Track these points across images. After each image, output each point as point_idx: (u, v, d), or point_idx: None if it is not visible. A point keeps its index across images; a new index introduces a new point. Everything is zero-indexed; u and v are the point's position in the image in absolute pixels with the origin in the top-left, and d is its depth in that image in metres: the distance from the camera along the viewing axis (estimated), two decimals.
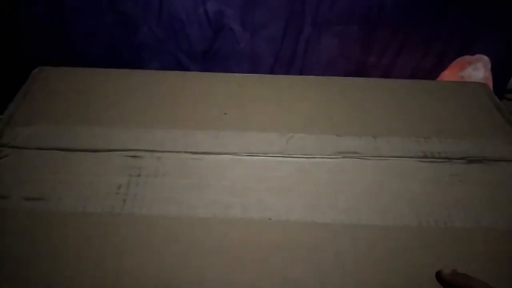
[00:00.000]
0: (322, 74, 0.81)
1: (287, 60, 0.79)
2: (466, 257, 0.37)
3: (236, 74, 0.56)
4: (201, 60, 0.77)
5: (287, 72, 0.79)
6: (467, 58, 0.71)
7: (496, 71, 0.75)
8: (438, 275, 0.35)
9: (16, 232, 0.36)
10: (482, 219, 0.40)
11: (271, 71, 0.79)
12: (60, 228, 0.37)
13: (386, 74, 0.83)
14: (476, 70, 0.68)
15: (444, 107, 0.51)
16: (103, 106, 0.48)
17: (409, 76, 0.82)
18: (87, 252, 0.35)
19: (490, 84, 0.69)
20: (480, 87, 0.56)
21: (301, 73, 0.80)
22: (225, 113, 0.49)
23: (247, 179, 0.42)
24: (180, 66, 0.76)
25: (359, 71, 0.83)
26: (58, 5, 0.68)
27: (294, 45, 0.77)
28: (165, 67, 0.77)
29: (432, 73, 0.80)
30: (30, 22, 0.70)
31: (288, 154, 0.44)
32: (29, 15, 0.70)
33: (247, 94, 0.52)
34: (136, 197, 0.39)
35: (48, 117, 0.47)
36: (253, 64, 0.78)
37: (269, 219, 0.39)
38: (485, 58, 0.70)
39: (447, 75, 0.71)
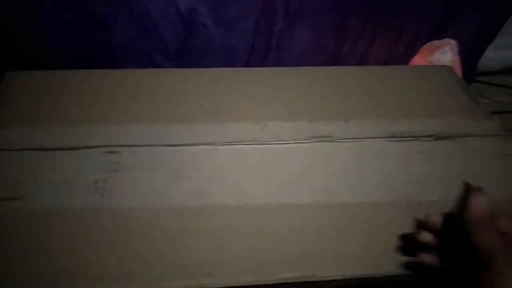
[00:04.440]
0: (297, 65, 0.83)
1: (262, 54, 0.80)
2: None
3: (211, 68, 0.57)
4: (176, 58, 0.77)
5: (262, 65, 0.80)
6: (435, 42, 0.73)
7: (466, 55, 0.77)
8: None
9: None
10: (452, 192, 0.42)
11: (247, 65, 0.80)
12: (38, 226, 0.37)
13: (361, 62, 0.84)
14: (444, 54, 0.70)
15: (412, 90, 0.53)
16: (78, 106, 0.49)
17: (383, 63, 0.84)
18: (68, 248, 0.36)
19: (458, 67, 0.71)
20: (445, 70, 0.58)
21: (276, 65, 0.81)
22: (200, 106, 0.49)
23: (224, 167, 0.43)
24: (155, 65, 0.76)
25: (334, 61, 0.84)
26: (29, 6, 0.68)
27: (268, 39, 0.78)
28: (140, 67, 0.76)
29: (404, 59, 0.82)
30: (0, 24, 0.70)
31: (263, 141, 0.45)
32: None
33: (223, 87, 0.53)
34: (114, 191, 0.40)
35: (23, 119, 0.47)
36: (228, 60, 0.79)
37: (247, 203, 0.40)
38: (452, 42, 0.72)
39: (417, 60, 0.73)
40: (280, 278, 0.35)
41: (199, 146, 0.44)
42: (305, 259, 0.36)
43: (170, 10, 0.70)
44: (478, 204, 0.33)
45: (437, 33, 0.80)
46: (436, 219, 0.35)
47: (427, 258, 0.35)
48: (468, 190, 0.35)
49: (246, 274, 0.35)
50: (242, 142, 0.45)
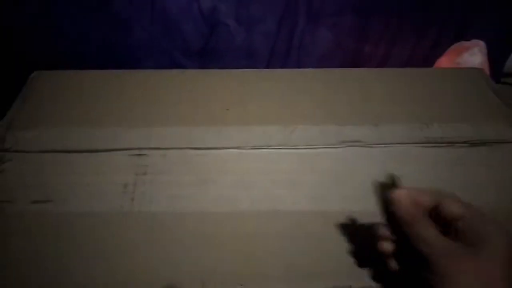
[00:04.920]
0: (318, 66, 0.82)
1: (283, 54, 0.79)
2: None
3: (235, 70, 0.56)
4: (197, 57, 0.76)
5: (283, 65, 0.79)
6: (463, 44, 0.71)
7: (492, 56, 0.75)
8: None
9: (24, 235, 0.36)
10: (487, 200, 0.40)
11: (267, 65, 0.79)
12: (68, 230, 0.37)
13: (382, 63, 0.83)
14: (473, 55, 0.68)
15: (442, 93, 0.52)
16: (103, 107, 0.48)
17: (405, 64, 0.82)
18: (97, 252, 0.35)
19: (487, 69, 0.69)
20: (477, 73, 0.56)
21: (297, 66, 0.80)
22: (227, 109, 0.48)
23: (252, 172, 0.42)
24: (175, 65, 0.76)
25: (355, 61, 0.83)
26: (50, 7, 0.68)
27: (289, 39, 0.77)
28: (161, 66, 0.76)
29: (427, 61, 0.80)
30: (23, 26, 0.70)
31: (292, 146, 0.44)
32: (22, 19, 0.69)
33: (248, 90, 0.52)
34: (143, 195, 0.39)
35: (48, 120, 0.46)
36: (249, 59, 0.78)
37: (277, 210, 0.39)
38: (481, 43, 0.70)
39: (444, 61, 0.71)
40: None
41: (227, 149, 0.44)
42: (339, 268, 0.35)
43: (192, 9, 0.70)
44: (401, 202, 0.29)
45: (461, 34, 0.78)
46: (383, 231, 0.32)
47: (394, 265, 0.32)
48: (386, 190, 0.31)
49: (277, 284, 0.34)
50: (270, 146, 0.44)
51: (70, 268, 0.34)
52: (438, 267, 0.27)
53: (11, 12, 0.68)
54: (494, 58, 0.77)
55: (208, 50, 0.75)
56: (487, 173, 0.43)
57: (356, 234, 0.38)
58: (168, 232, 0.37)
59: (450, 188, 0.41)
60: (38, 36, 0.71)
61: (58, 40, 0.72)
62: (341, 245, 0.37)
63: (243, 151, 0.44)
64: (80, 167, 0.41)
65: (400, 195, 0.30)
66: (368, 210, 0.39)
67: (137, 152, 0.43)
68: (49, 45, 0.72)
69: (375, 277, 0.35)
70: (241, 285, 0.34)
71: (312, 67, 0.82)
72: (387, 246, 0.32)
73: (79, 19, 0.70)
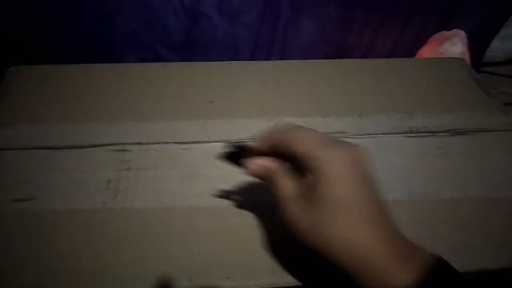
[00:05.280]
0: (302, 58, 0.81)
1: (267, 45, 0.79)
2: (457, 227, 0.38)
3: (218, 62, 0.55)
4: (180, 50, 0.75)
5: (267, 57, 0.79)
6: (444, 33, 0.72)
7: (472, 45, 0.76)
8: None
9: (6, 235, 0.35)
10: (470, 189, 0.41)
11: (251, 57, 0.78)
12: (52, 227, 0.36)
13: (366, 53, 0.83)
14: (454, 45, 0.69)
15: (424, 83, 0.52)
16: (84, 102, 0.47)
17: (389, 55, 0.83)
18: (82, 249, 0.35)
19: (468, 58, 0.70)
20: (458, 62, 0.57)
21: (281, 57, 0.80)
22: (210, 102, 0.48)
23: None
24: (158, 58, 0.75)
25: (339, 52, 0.83)
26: (29, 0, 0.66)
27: (273, 30, 0.77)
28: (143, 59, 0.75)
29: (411, 51, 0.81)
30: (0, 20, 0.68)
31: None
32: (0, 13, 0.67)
33: (231, 82, 0.51)
34: (127, 191, 0.39)
35: (28, 116, 0.45)
36: (232, 51, 0.78)
37: (261, 202, 0.39)
38: (462, 33, 0.71)
39: (426, 51, 0.72)
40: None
41: (212, 143, 0.43)
42: None
43: (174, 1, 0.69)
44: (255, 171, 0.32)
45: (443, 24, 0.79)
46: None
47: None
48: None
49: (266, 276, 0.34)
50: (255, 139, 0.44)
51: (53, 267, 0.34)
52: (288, 215, 0.29)
53: None
54: (475, 47, 0.78)
55: (191, 43, 0.74)
56: (470, 161, 0.43)
57: None
58: (153, 228, 0.36)
59: (433, 176, 0.42)
60: (16, 30, 0.69)
61: (38, 34, 0.70)
62: None
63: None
64: (61, 163, 0.41)
65: (251, 165, 0.32)
66: None
67: (120, 147, 0.42)
68: (28, 39, 0.70)
69: None
70: (228, 278, 0.34)
71: (296, 58, 0.81)
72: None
73: (59, 12, 0.68)
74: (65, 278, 0.33)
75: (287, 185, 0.30)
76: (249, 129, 0.45)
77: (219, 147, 0.43)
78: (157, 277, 0.33)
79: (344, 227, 0.26)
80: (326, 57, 0.82)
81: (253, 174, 0.32)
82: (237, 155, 0.33)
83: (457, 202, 0.40)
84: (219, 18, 0.72)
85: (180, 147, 0.43)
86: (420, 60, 0.64)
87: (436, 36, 0.73)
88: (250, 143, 0.33)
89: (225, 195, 0.39)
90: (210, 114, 0.46)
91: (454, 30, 0.72)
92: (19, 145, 0.42)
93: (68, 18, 0.69)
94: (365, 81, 0.52)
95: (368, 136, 0.45)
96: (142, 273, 0.34)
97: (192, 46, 0.75)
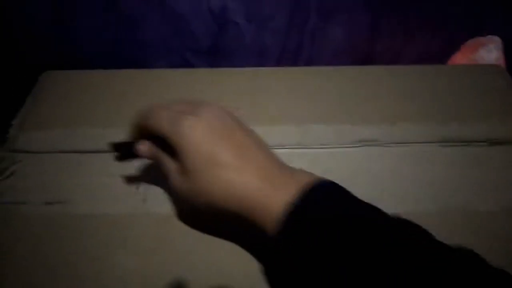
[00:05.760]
0: (329, 63, 0.81)
1: (293, 51, 0.78)
2: (490, 241, 0.36)
3: (245, 68, 0.55)
4: (207, 56, 0.76)
5: (294, 63, 0.78)
6: (478, 39, 0.69)
7: (507, 52, 0.73)
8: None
9: (38, 237, 0.36)
10: (505, 202, 0.39)
11: (278, 63, 0.78)
12: (80, 231, 0.37)
13: (395, 59, 0.82)
14: (489, 52, 0.66)
15: (459, 90, 0.50)
16: (114, 107, 0.48)
17: (418, 61, 0.81)
18: (109, 254, 0.35)
19: (503, 65, 0.68)
20: (494, 69, 0.55)
21: (308, 63, 0.79)
22: (237, 108, 0.48)
23: None
24: (185, 63, 0.76)
25: (367, 58, 0.81)
26: (60, 8, 0.68)
27: (300, 36, 0.76)
28: (170, 65, 0.76)
29: (441, 57, 0.78)
30: (31, 26, 0.70)
31: (306, 146, 0.44)
32: (30, 19, 0.69)
33: (259, 88, 0.51)
34: (155, 196, 0.39)
35: (60, 120, 0.46)
36: (259, 58, 0.77)
37: None
38: (497, 39, 0.69)
39: (459, 58, 0.70)
40: None
41: None
42: None
43: (202, 7, 0.69)
44: (144, 152, 0.35)
45: (477, 30, 0.76)
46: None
47: None
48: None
49: None
50: (283, 146, 0.43)
51: (81, 272, 0.34)
52: (174, 187, 0.32)
53: (21, 12, 0.68)
54: (510, 54, 0.75)
55: (218, 49, 0.74)
56: (506, 173, 0.42)
57: None
58: (180, 233, 0.36)
59: (468, 188, 0.40)
60: (47, 36, 0.70)
61: (68, 40, 0.71)
62: None
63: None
64: (91, 168, 0.41)
65: (138, 150, 0.35)
66: (384, 210, 0.38)
67: None
68: (59, 45, 0.72)
69: None
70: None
71: (323, 64, 0.81)
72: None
73: (88, 19, 0.69)
74: (93, 283, 0.33)
75: (168, 162, 0.32)
76: (278, 136, 0.44)
77: None
78: (185, 284, 0.33)
79: (214, 183, 0.29)
80: (353, 62, 0.81)
81: (143, 156, 0.35)
82: (126, 149, 0.36)
83: (493, 215, 0.38)
84: (246, 24, 0.72)
85: None
86: (453, 66, 0.62)
87: (469, 42, 0.71)
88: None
89: None
90: None
91: (489, 36, 0.69)
92: (50, 149, 0.43)
93: (97, 24, 0.71)
94: (396, 88, 0.51)
95: (400, 144, 0.44)
96: (171, 279, 0.33)
97: (219, 52, 0.75)
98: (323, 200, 0.27)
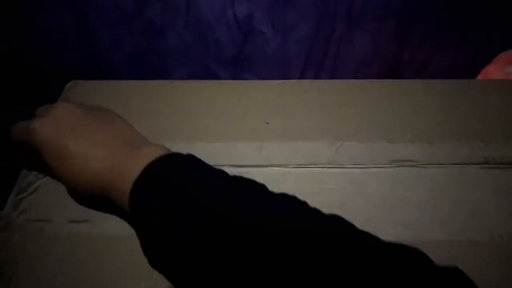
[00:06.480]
0: (355, 73, 0.79)
1: (318, 61, 0.76)
2: None
3: (273, 81, 0.53)
4: (230, 65, 0.74)
5: (318, 72, 0.76)
6: None
7: None
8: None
9: (62, 256, 0.35)
10: None
11: (302, 72, 0.76)
12: (105, 251, 0.35)
13: (422, 70, 0.79)
14: None
15: (499, 107, 0.48)
16: (140, 120, 0.46)
17: (446, 72, 0.78)
18: (135, 274, 0.34)
19: None
20: None
21: (332, 72, 0.77)
22: (267, 123, 0.46)
23: (297, 193, 0.39)
24: (208, 72, 0.74)
25: (394, 68, 0.79)
26: (83, 16, 0.67)
27: (326, 45, 0.74)
28: (193, 73, 0.75)
29: (472, 69, 0.76)
30: (56, 34, 0.69)
31: (339, 165, 0.42)
32: (55, 27, 0.68)
33: (288, 101, 0.49)
34: None
35: None
36: (283, 67, 0.76)
37: None
38: None
39: (491, 71, 0.67)
40: None
41: (269, 167, 0.41)
42: None
43: (227, 14, 0.68)
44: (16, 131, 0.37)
45: (509, 42, 0.73)
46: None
47: None
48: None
49: None
50: (315, 164, 0.42)
51: None
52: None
53: (46, 22, 0.67)
54: None
55: (242, 58, 0.73)
56: None
57: None
58: None
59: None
60: (71, 45, 0.70)
61: (92, 49, 0.71)
62: None
63: (287, 169, 0.41)
64: None
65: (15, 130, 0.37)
66: (422, 237, 0.36)
67: None
68: (83, 53, 0.71)
69: None
70: None
71: (348, 74, 0.79)
72: None
73: (112, 27, 0.69)
74: None
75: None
76: (309, 154, 0.42)
77: (279, 172, 0.41)
78: None
79: (69, 175, 0.33)
80: (379, 72, 0.79)
81: (16, 132, 0.37)
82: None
83: None
84: (272, 33, 0.70)
85: (236, 170, 0.41)
86: (488, 82, 0.59)
87: (503, 54, 0.68)
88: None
89: None
90: (267, 135, 0.44)
91: None
92: None
93: (121, 32, 0.70)
94: (431, 103, 0.49)
95: (439, 165, 0.41)
96: None
97: (243, 61, 0.74)
98: (165, 171, 0.30)
